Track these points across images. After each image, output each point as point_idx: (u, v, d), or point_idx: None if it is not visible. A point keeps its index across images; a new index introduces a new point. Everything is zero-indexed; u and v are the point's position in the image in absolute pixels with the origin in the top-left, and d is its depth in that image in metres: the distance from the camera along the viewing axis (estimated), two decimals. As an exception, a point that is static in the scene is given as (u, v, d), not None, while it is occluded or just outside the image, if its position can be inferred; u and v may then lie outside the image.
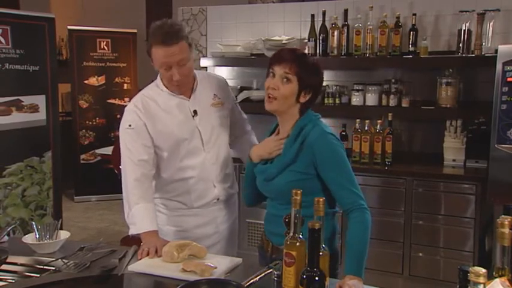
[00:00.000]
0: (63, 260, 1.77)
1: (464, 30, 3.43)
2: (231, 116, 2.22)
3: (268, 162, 1.84)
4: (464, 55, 3.44)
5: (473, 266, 1.02)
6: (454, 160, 3.49)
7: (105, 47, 6.01)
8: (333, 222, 1.83)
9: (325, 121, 1.84)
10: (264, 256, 1.91)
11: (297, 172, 1.74)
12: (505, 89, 2.99)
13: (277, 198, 1.83)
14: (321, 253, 1.34)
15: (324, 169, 1.73)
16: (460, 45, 3.45)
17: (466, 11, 3.44)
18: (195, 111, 2.06)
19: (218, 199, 2.13)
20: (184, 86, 2.03)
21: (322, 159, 1.72)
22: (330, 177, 1.73)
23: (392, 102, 3.64)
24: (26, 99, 3.81)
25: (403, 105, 3.63)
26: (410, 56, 3.59)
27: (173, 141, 2.03)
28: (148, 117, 2.02)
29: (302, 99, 1.77)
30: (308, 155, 1.73)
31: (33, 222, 2.03)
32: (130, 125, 2.01)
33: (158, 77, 2.09)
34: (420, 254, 3.35)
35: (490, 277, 1.09)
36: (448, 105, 3.49)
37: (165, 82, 2.02)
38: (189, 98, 2.07)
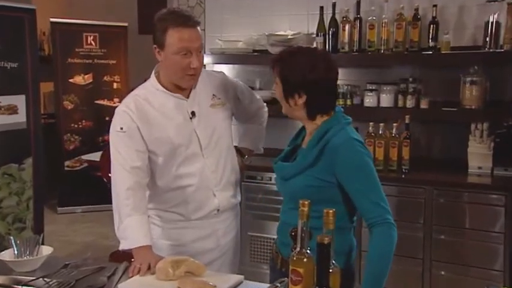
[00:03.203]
0: (45, 279, 1.77)
1: (492, 23, 3.42)
2: (238, 106, 2.25)
3: (290, 160, 1.87)
4: (491, 50, 3.42)
5: (504, 286, 1.02)
6: (479, 167, 3.47)
7: (93, 42, 6.02)
8: (350, 237, 1.85)
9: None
10: (273, 269, 1.94)
11: (315, 177, 1.76)
12: (537, 88, 2.99)
13: (290, 201, 1.84)
14: (331, 270, 1.34)
15: (346, 178, 1.73)
16: (487, 39, 3.44)
17: (494, 1, 3.44)
18: (192, 113, 2.07)
19: (218, 210, 2.13)
20: (196, 80, 2.05)
21: (345, 167, 1.73)
22: (353, 187, 1.73)
23: (410, 103, 3.63)
24: (4, 100, 3.82)
25: (422, 106, 3.62)
26: (430, 52, 3.58)
27: (169, 146, 2.04)
28: (142, 119, 2.02)
29: (295, 102, 1.79)
30: (329, 160, 1.74)
31: (11, 237, 2.03)
32: (121, 128, 2.02)
33: (153, 75, 2.10)
34: (442, 273, 3.34)
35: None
36: (473, 107, 3.48)
37: (176, 74, 2.00)
38: (187, 98, 2.08)
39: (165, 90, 2.06)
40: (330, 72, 1.80)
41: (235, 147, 2.30)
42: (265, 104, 2.47)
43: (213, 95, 2.14)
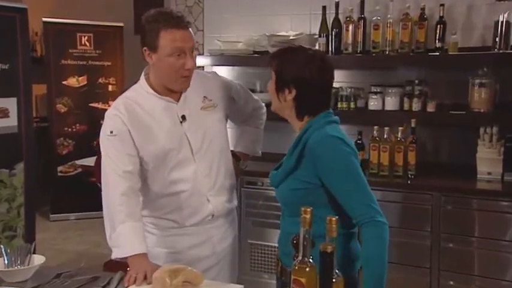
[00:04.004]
0: (37, 289, 1.77)
1: (502, 22, 3.42)
2: (232, 107, 2.26)
3: (280, 167, 1.90)
4: (501, 51, 3.42)
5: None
6: (489, 173, 3.47)
7: (87, 43, 6.04)
8: (350, 245, 1.84)
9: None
10: (277, 278, 1.96)
11: (300, 181, 1.78)
12: (549, 90, 2.99)
13: (285, 209, 1.88)
14: (334, 279, 1.34)
15: (327, 177, 1.74)
16: (497, 39, 3.44)
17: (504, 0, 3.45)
18: (183, 117, 2.08)
19: (213, 215, 2.14)
20: (190, 81, 2.06)
21: (324, 166, 1.74)
22: (337, 188, 1.73)
23: (416, 106, 3.64)
24: (-6, 103, 3.83)
25: (429, 109, 3.63)
26: (437, 54, 3.59)
27: (160, 151, 2.05)
28: (132, 122, 2.03)
29: (284, 97, 1.83)
30: (309, 162, 1.76)
31: (1, 246, 2.03)
32: (112, 132, 2.03)
33: (142, 77, 2.12)
34: (451, 283, 3.33)
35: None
36: (482, 110, 3.48)
37: (169, 77, 2.02)
38: (178, 101, 2.09)
39: (154, 93, 2.08)
40: (324, 73, 1.83)
41: (231, 151, 2.31)
42: (264, 104, 2.48)
43: (204, 97, 2.16)
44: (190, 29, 2.01)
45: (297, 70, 1.80)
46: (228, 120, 2.31)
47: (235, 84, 2.33)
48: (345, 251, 1.79)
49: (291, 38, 3.85)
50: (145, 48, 2.02)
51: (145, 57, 2.04)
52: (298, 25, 4.09)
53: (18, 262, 1.96)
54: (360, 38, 3.76)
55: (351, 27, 3.76)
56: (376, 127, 3.60)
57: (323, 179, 1.74)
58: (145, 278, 1.83)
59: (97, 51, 6.08)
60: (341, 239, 1.79)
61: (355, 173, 1.74)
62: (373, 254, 1.68)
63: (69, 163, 6.02)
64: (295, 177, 1.79)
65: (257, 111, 2.43)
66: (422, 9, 3.60)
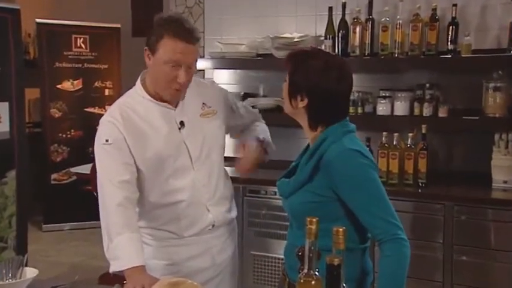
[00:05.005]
0: (29, 303, 1.77)
1: (517, 23, 3.44)
2: (230, 115, 2.26)
3: (292, 176, 1.88)
4: (516, 54, 3.44)
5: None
6: (505, 182, 3.46)
7: (82, 45, 6.05)
8: (363, 260, 1.84)
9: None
10: None
11: (313, 193, 1.77)
12: None
13: (293, 220, 1.87)
14: (341, 294, 1.33)
15: (346, 193, 1.74)
16: (513, 41, 3.46)
17: (519, 0, 3.45)
18: (181, 123, 2.08)
19: (213, 225, 2.15)
20: (181, 95, 2.07)
21: (342, 181, 1.73)
22: (356, 203, 1.73)
23: (427, 111, 3.64)
24: (-14, 108, 3.84)
25: (440, 115, 3.63)
26: (449, 56, 3.59)
27: (157, 159, 2.05)
28: (128, 129, 2.04)
29: (296, 104, 1.81)
30: (325, 175, 1.75)
31: (-8, 257, 2.03)
32: (107, 140, 2.03)
33: (138, 82, 2.12)
34: (464, 297, 3.32)
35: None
36: (497, 115, 3.48)
37: (160, 84, 2.02)
38: (175, 107, 2.09)
39: (151, 99, 2.08)
40: (341, 84, 1.81)
41: (257, 138, 2.24)
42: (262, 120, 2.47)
43: (203, 103, 2.16)
44: (196, 45, 1.99)
45: (310, 77, 1.77)
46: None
47: (231, 94, 2.35)
48: (359, 265, 1.79)
49: (295, 40, 3.86)
50: (146, 47, 2.02)
51: (144, 56, 2.04)
52: (303, 26, 4.09)
53: (10, 275, 1.95)
54: (367, 40, 3.77)
55: (358, 29, 3.77)
56: (385, 133, 3.60)
57: (340, 193, 1.74)
58: (142, 291, 1.82)
59: (93, 54, 6.09)
60: (358, 254, 1.81)
61: (374, 187, 1.73)
62: (392, 272, 1.67)
63: (64, 171, 6.03)
64: (307, 189, 1.78)
65: (258, 121, 2.42)
66: (434, 9, 3.60)
